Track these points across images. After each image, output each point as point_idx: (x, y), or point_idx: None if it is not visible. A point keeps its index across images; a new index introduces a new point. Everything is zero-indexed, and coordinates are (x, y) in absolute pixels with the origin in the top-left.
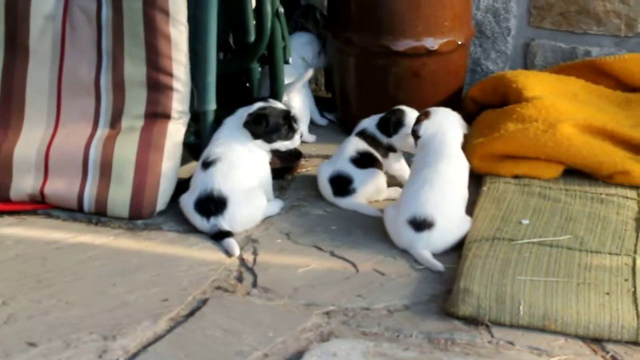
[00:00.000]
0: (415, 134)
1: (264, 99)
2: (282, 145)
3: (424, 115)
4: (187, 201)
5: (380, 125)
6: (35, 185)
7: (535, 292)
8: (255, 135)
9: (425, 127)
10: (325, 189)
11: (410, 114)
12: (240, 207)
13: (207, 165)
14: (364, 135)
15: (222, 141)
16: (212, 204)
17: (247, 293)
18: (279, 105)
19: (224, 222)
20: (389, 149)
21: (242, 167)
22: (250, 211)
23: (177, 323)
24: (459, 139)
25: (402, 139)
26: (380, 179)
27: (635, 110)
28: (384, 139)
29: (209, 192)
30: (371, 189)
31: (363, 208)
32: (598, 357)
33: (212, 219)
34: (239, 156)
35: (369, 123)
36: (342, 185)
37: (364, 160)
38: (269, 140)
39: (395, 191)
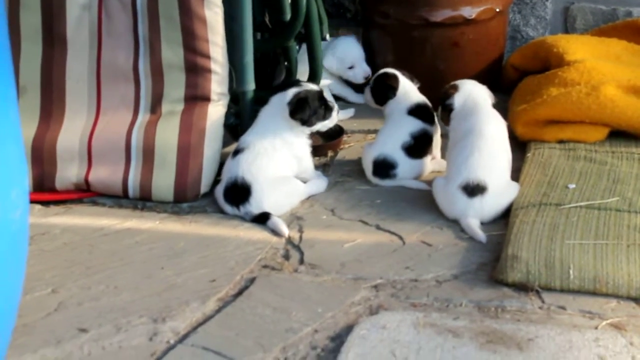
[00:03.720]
0: (448, 108)
1: (294, 83)
2: (322, 125)
3: (452, 89)
4: (219, 191)
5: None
6: (80, 173)
7: (584, 255)
8: (303, 122)
9: (457, 99)
10: (367, 168)
11: None
12: (265, 193)
13: (235, 153)
14: (418, 109)
15: (255, 130)
16: (237, 192)
17: (295, 270)
18: (310, 86)
19: (252, 208)
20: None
21: (269, 155)
22: (278, 197)
23: (226, 303)
24: (490, 103)
25: None
26: (425, 168)
27: None
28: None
29: (233, 180)
30: (411, 176)
31: (407, 182)
32: None
33: (241, 207)
34: (267, 145)
35: (417, 96)
36: (384, 168)
37: (417, 147)
38: (310, 124)
39: (437, 164)
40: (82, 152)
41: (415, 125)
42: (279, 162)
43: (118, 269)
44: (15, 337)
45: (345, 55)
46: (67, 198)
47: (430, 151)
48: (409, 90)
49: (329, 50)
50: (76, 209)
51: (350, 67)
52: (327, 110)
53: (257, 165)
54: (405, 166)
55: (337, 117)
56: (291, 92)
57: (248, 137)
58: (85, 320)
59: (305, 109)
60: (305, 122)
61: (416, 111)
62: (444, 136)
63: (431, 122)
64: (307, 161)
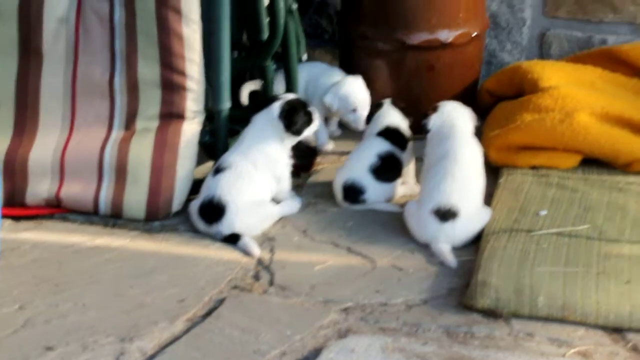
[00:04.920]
0: (424, 128)
1: (273, 99)
2: (309, 130)
3: (432, 110)
4: (194, 206)
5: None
6: (51, 189)
7: (554, 282)
8: (299, 133)
9: (434, 121)
10: (338, 193)
11: None
12: (239, 216)
13: (216, 171)
14: (387, 132)
15: (239, 150)
16: (211, 210)
17: (264, 291)
18: (288, 95)
19: (223, 228)
20: (408, 139)
21: (250, 177)
22: (251, 220)
23: (195, 323)
24: (470, 128)
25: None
26: (395, 191)
27: None
28: (406, 127)
29: (210, 198)
30: (383, 200)
31: (379, 206)
32: (619, 347)
33: (214, 226)
34: (250, 166)
35: (389, 118)
36: (353, 193)
37: (385, 168)
38: (300, 132)
39: (409, 188)
40: (55, 167)
41: (382, 146)
42: (259, 184)
43: (87, 286)
44: None
45: (349, 96)
46: (37, 213)
47: (399, 175)
48: (384, 114)
49: (332, 88)
50: (47, 224)
51: (353, 110)
52: (309, 115)
53: (236, 187)
54: (375, 190)
55: (318, 119)
56: (276, 107)
57: (231, 157)
58: (52, 338)
59: (298, 119)
60: (298, 131)
61: (385, 133)
62: (420, 160)
63: (401, 146)
64: (286, 182)
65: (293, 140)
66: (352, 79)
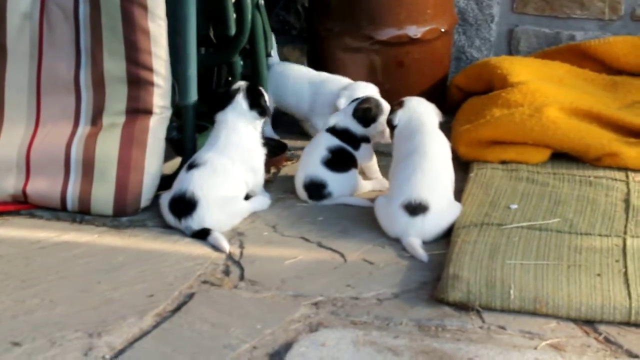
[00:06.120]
0: (390, 124)
1: (229, 94)
2: (270, 108)
3: (397, 105)
4: (164, 200)
5: (358, 115)
6: (17, 185)
7: (525, 275)
8: (269, 113)
9: (400, 116)
10: (301, 194)
11: (384, 102)
12: (209, 211)
13: (190, 167)
14: (334, 130)
15: (215, 147)
16: (182, 205)
17: (234, 286)
18: (239, 83)
19: (193, 223)
20: (362, 140)
21: (225, 173)
22: (221, 217)
23: (164, 318)
24: (435, 123)
25: (377, 128)
26: (355, 179)
27: (621, 93)
28: (359, 130)
29: (182, 192)
30: (347, 191)
31: (350, 200)
32: (591, 339)
33: (183, 220)
34: (226, 162)
35: (339, 117)
36: (315, 189)
37: (337, 160)
38: (269, 113)
39: (378, 182)
40: (20, 163)
41: (331, 141)
42: (234, 181)
43: (54, 282)
44: None
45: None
46: (3, 210)
47: (354, 165)
48: (339, 115)
49: (345, 92)
50: (13, 220)
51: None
52: (263, 93)
53: (210, 183)
54: (335, 183)
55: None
56: (241, 99)
57: (207, 154)
58: (19, 334)
59: (264, 102)
60: (269, 113)
61: (332, 131)
62: (389, 155)
63: (352, 144)
64: (261, 173)
65: (261, 124)
66: (365, 84)
